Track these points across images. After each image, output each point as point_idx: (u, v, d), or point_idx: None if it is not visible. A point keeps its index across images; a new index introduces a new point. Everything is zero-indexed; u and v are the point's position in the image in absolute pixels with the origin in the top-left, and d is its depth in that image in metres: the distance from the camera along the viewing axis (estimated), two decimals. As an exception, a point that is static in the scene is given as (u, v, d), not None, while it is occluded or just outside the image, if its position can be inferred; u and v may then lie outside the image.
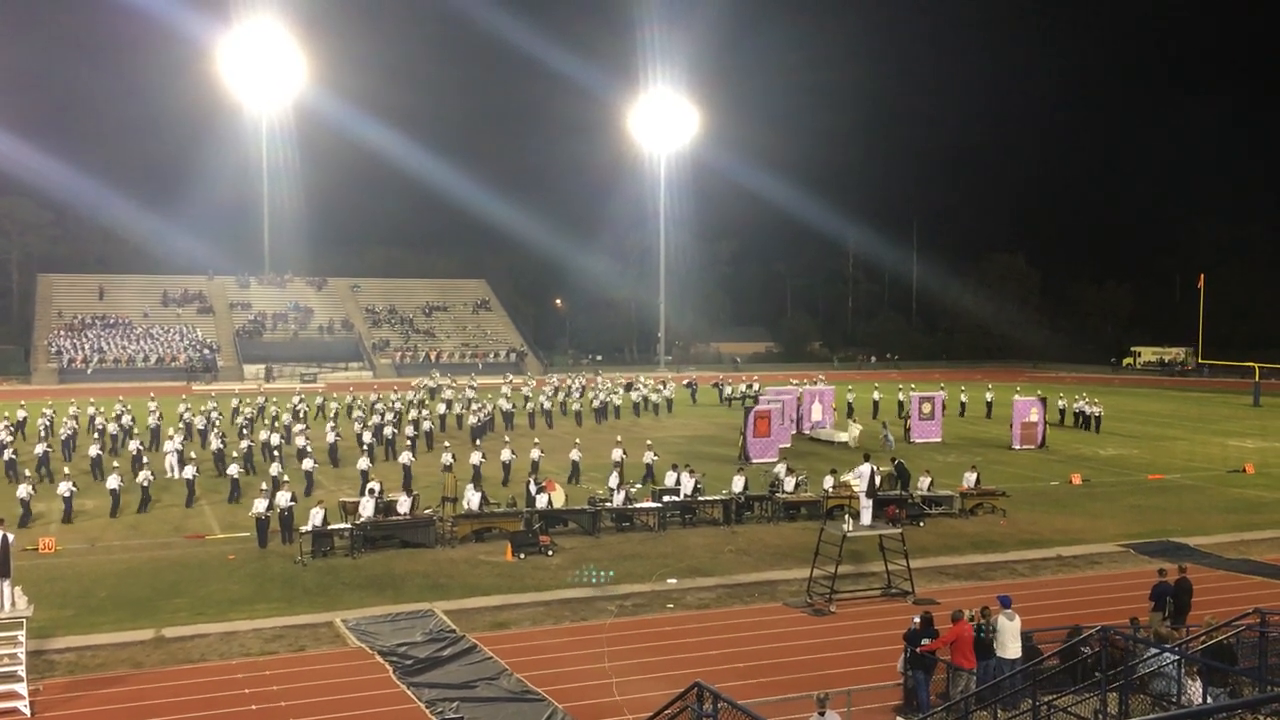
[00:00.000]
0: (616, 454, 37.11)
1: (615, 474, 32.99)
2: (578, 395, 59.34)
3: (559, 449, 40.14)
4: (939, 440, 50.64)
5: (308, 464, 35.93)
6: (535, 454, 36.78)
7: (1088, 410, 56.45)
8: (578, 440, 39.09)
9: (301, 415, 51.32)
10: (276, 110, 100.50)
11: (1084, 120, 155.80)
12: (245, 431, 43.50)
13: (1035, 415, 49.57)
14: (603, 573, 25.21)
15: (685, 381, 72.81)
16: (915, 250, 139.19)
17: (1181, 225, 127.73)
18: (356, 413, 53.47)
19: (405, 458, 36.66)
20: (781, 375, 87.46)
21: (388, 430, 44.60)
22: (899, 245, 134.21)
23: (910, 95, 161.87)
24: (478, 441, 41.93)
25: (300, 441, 41.33)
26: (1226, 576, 26.51)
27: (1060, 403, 58.28)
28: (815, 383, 66.14)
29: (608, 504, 30.80)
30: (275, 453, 37.09)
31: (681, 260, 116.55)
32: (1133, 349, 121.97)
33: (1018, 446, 48.73)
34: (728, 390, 68.54)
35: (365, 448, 41.18)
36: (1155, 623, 19.99)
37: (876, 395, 63.14)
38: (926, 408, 51.15)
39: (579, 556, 27.60)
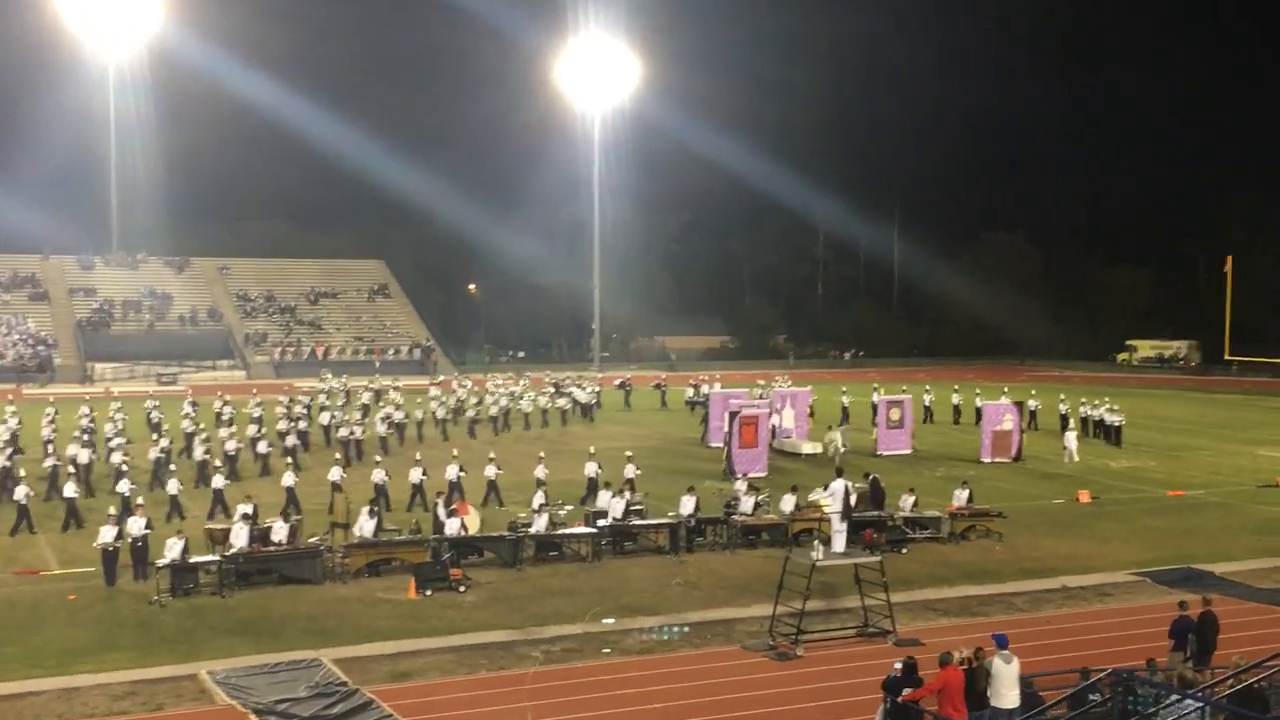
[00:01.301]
0: (540, 470, 37.09)
1: (540, 493, 32.95)
2: (495, 400, 59.01)
3: (476, 464, 40.00)
4: (908, 452, 51.44)
5: (173, 486, 35.46)
6: (453, 471, 36.57)
7: (1108, 419, 56.85)
8: (493, 455, 39.00)
9: (158, 424, 50.65)
10: (127, 54, 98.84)
11: (1095, 78, 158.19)
12: (86, 443, 42.77)
13: (1010, 422, 50.48)
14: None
15: (617, 382, 72.95)
16: (897, 227, 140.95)
17: (1208, 199, 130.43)
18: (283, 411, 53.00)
19: (288, 479, 36.35)
20: (739, 375, 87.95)
21: (291, 440, 44.46)
22: (878, 221, 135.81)
23: (893, 45, 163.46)
24: (376, 458, 41.64)
25: (154, 454, 40.81)
26: (1257, 610, 27.11)
27: (1064, 408, 59.27)
28: (778, 383, 66.69)
29: (531, 529, 30.74)
30: (123, 469, 36.54)
31: (620, 238, 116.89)
32: (1128, 343, 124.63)
33: (987, 459, 49.61)
34: (690, 393, 68.83)
35: (260, 459, 40.97)
36: (1175, 664, 20.39)
37: (845, 399, 63.85)
38: (895, 414, 51.89)
39: (497, 593, 27.52)
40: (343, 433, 47.17)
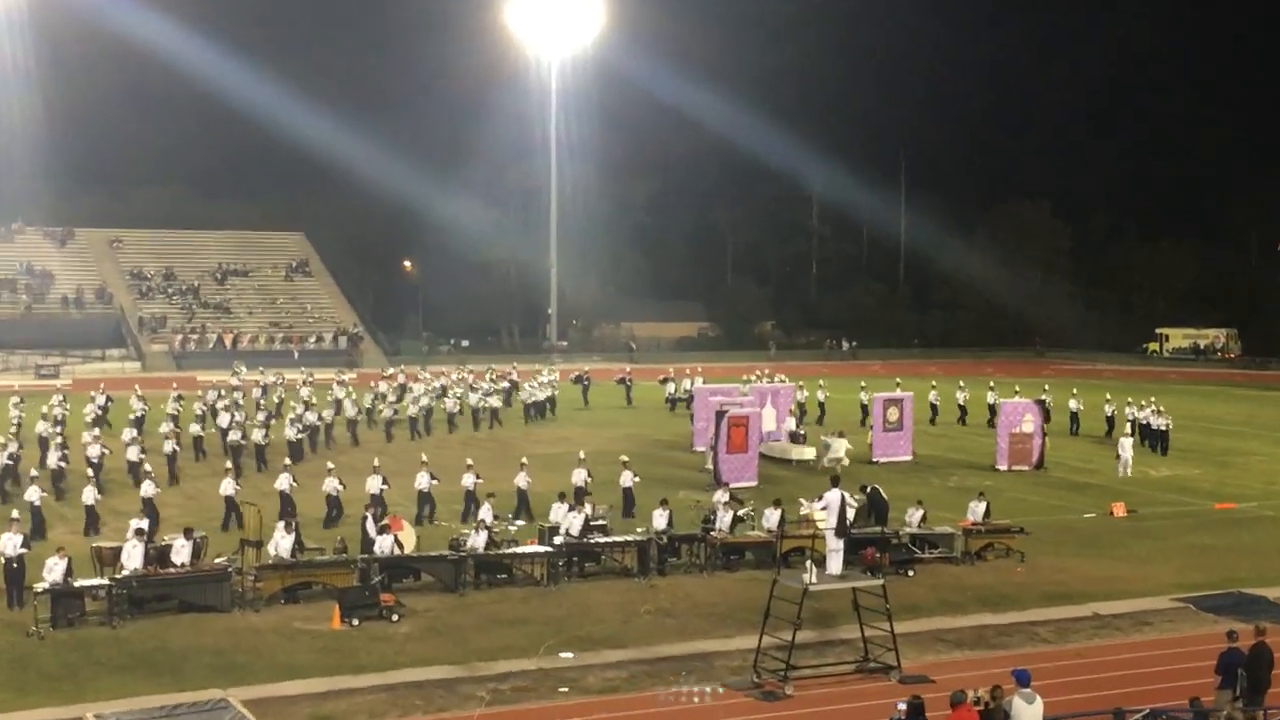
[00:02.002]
0: (468, 479, 37.12)
1: (487, 507, 32.92)
2: (416, 399, 58.67)
3: (407, 471, 39.91)
4: (908, 458, 51.68)
5: (33, 493, 35.23)
6: (375, 483, 36.48)
7: (1153, 422, 56.33)
8: (424, 458, 38.94)
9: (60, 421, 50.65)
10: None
11: (1132, 23, 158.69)
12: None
13: (1030, 423, 50.73)
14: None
15: (574, 376, 72.99)
16: (903, 197, 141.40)
17: (1262, 166, 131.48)
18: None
19: (227, 487, 36.33)
20: (720, 369, 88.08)
21: (257, 434, 44.78)
22: (881, 190, 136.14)
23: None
24: (286, 460, 41.51)
25: (56, 459, 40.68)
26: (1317, 640, 27.33)
27: (1111, 409, 59.33)
28: (757, 378, 66.76)
29: (475, 547, 30.70)
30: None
31: (581, 208, 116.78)
32: (1158, 331, 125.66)
33: (1004, 466, 49.87)
34: (671, 389, 68.85)
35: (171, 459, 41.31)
36: (1223, 703, 20.52)
37: (821, 395, 64.12)
38: (893, 414, 52.03)
39: (436, 622, 27.46)
40: (234, 436, 46.73)
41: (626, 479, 38.81)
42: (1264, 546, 36.99)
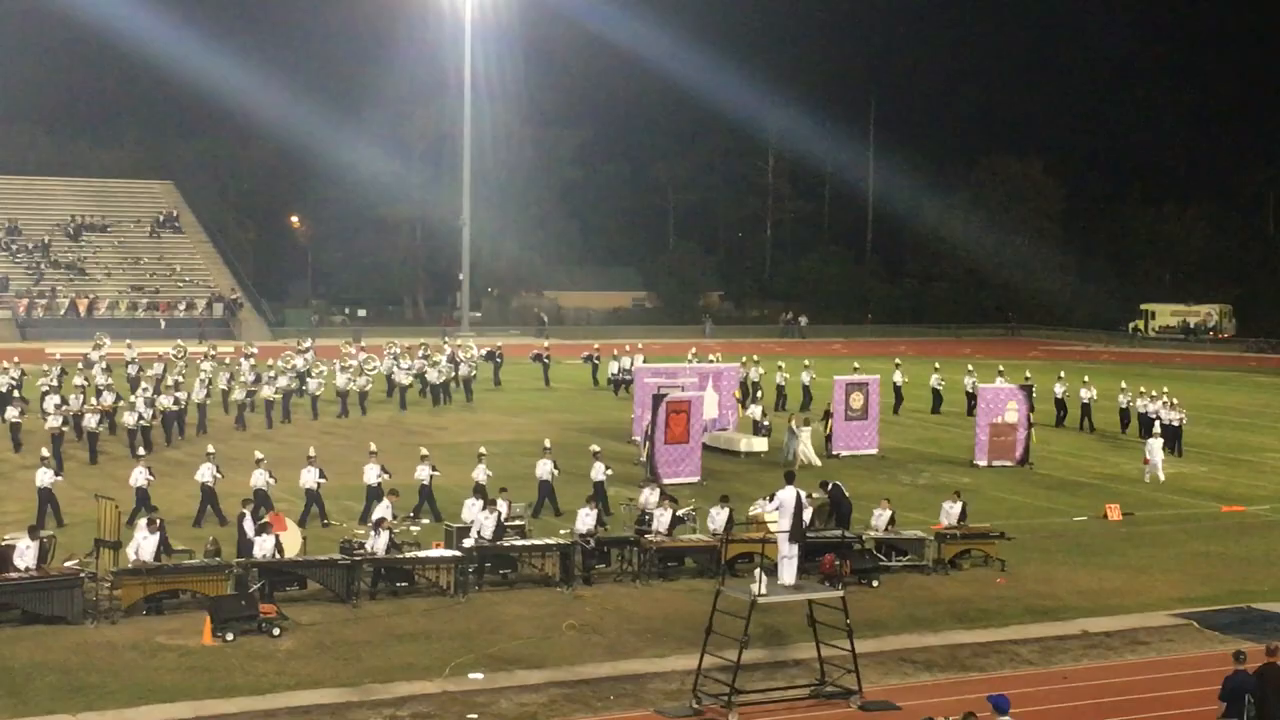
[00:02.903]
0: (372, 474, 36.82)
1: (386, 504, 32.74)
2: (273, 379, 58.01)
3: (294, 462, 39.64)
4: (874, 452, 51.90)
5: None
6: (261, 477, 36.16)
7: (1164, 416, 55.44)
8: (312, 452, 38.63)
9: None
10: None
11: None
12: None
13: (1014, 412, 51.07)
14: None
15: (484, 352, 72.81)
16: (872, 150, 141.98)
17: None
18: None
19: (44, 477, 35.85)
20: (659, 346, 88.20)
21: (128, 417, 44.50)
22: (847, 142, 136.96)
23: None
24: (140, 450, 41.14)
25: None
26: (1335, 662, 27.68)
27: (1125, 400, 59.37)
28: (692, 358, 66.76)
29: (373, 550, 30.56)
30: None
31: (500, 159, 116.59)
32: (1143, 307, 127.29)
33: (983, 461, 50.17)
34: (614, 369, 68.57)
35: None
36: (1228, 734, 20.73)
37: (754, 372, 64.32)
38: (856, 400, 52.18)
39: (324, 637, 27.30)
40: (53, 422, 45.79)
41: (544, 470, 38.65)
42: (1277, 555, 37.42)
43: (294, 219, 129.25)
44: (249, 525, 31.12)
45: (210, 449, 39.21)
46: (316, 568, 30.22)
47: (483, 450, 39.59)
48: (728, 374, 55.38)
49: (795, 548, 25.40)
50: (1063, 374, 64.60)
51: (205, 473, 36.94)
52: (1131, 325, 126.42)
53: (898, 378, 64.60)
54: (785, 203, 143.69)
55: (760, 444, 50.54)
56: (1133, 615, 30.83)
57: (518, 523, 33.43)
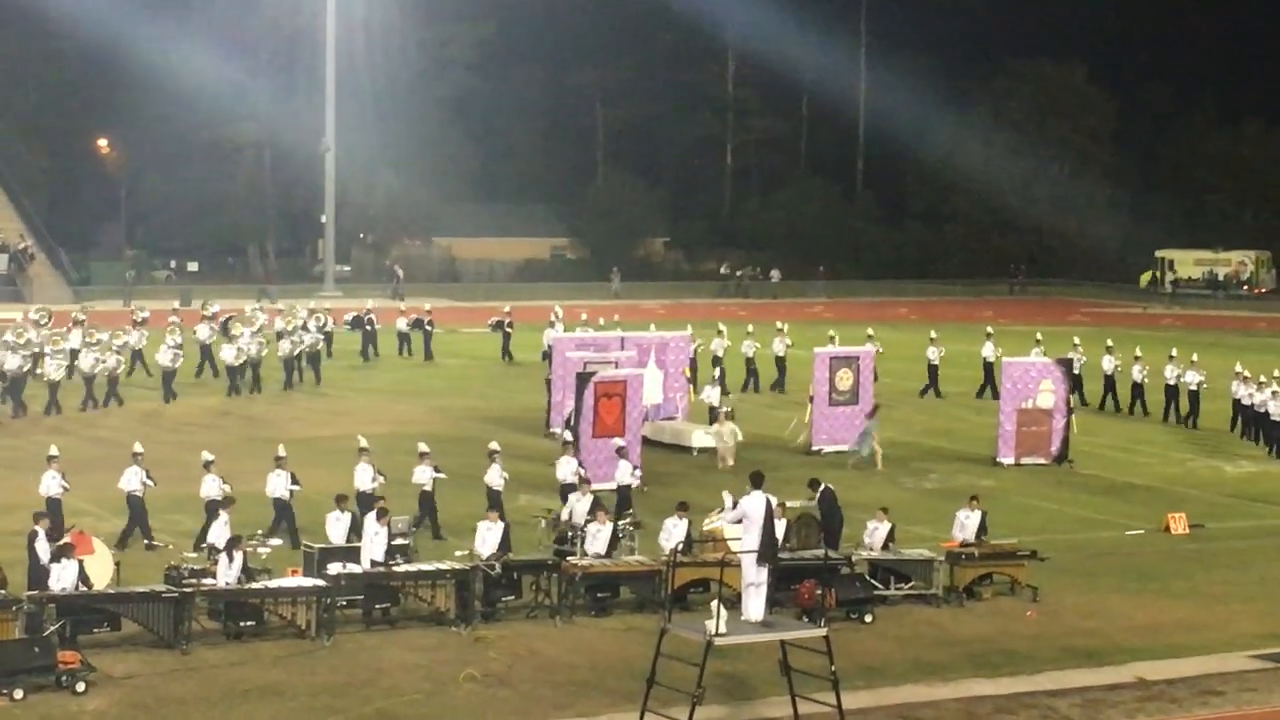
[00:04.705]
0: (210, 485, 36.62)
1: (223, 519, 32.60)
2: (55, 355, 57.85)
3: (105, 463, 39.44)
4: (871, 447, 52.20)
5: None
6: (52, 482, 35.86)
7: (1257, 400, 55.59)
8: (139, 450, 38.40)
9: None
10: None
11: None
12: None
13: (1050, 394, 51.26)
14: None
15: (350, 317, 72.62)
16: (864, 53, 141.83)
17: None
18: None
19: None
20: (588, 309, 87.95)
21: None
22: (832, 41, 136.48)
23: None
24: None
25: None
26: None
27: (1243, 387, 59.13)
28: (596, 326, 66.80)
29: (208, 579, 30.43)
30: None
31: (376, 64, 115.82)
32: (1159, 255, 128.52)
33: (1009, 458, 50.46)
34: (548, 338, 68.19)
35: None
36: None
37: (719, 346, 64.33)
38: (844, 378, 52.22)
39: (143, 693, 27.16)
40: None
41: (423, 476, 38.64)
42: (1389, 579, 37.83)
43: (101, 143, 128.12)
44: (43, 547, 30.90)
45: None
46: (134, 603, 29.97)
47: (364, 444, 39.43)
48: (675, 345, 55.19)
49: (765, 572, 25.45)
50: (1110, 343, 64.79)
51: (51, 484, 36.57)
52: (1143, 278, 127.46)
53: (933, 354, 65.10)
54: (750, 121, 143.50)
55: (706, 437, 50.47)
56: (1203, 658, 30.98)
57: (400, 542, 33.33)
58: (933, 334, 66.70)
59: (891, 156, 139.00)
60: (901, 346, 66.84)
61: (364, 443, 39.56)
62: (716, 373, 59.28)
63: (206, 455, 38.45)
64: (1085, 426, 53.71)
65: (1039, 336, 64.70)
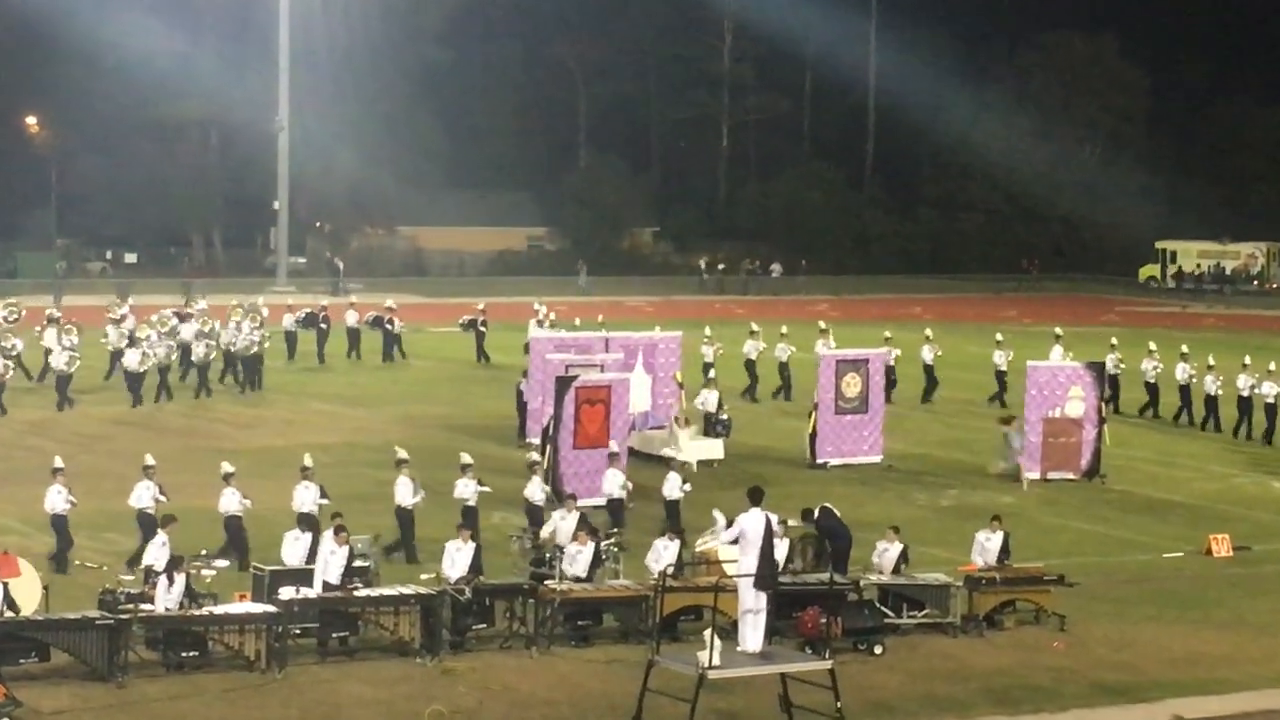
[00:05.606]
0: (143, 494, 36.64)
1: (161, 538, 32.49)
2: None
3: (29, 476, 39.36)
4: (878, 459, 52.28)
5: None
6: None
7: (1270, 394, 57.06)
8: (58, 464, 38.34)
9: None
10: None
11: None
12: None
13: (1079, 402, 51.23)
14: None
15: (301, 314, 72.52)
16: (875, 24, 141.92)
17: None
18: None
19: None
20: (564, 306, 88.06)
21: None
22: (838, 12, 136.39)
23: None
24: None
25: None
26: None
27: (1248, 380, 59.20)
28: (548, 323, 66.82)
29: (146, 604, 30.35)
30: None
31: (333, 34, 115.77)
32: (1160, 247, 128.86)
33: (1034, 473, 50.24)
34: (534, 331, 68.19)
35: None
36: None
37: (753, 349, 64.58)
38: (852, 385, 52.15)
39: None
40: None
41: (404, 493, 38.58)
42: None
43: (30, 121, 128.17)
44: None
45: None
46: (65, 630, 29.93)
47: (308, 463, 39.31)
48: (665, 346, 55.15)
49: (764, 598, 25.48)
50: (1153, 346, 64.55)
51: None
52: (1143, 273, 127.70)
53: (927, 354, 65.11)
54: (748, 100, 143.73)
55: (714, 448, 50.47)
56: (1246, 694, 30.96)
57: (361, 564, 33.26)
58: (928, 332, 66.79)
59: (903, 139, 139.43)
60: (913, 347, 66.51)
61: (308, 461, 39.48)
62: (712, 374, 59.16)
63: (148, 460, 38.49)
64: (1119, 438, 53.68)
65: (1058, 332, 64.69)
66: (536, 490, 38.73)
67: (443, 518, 37.60)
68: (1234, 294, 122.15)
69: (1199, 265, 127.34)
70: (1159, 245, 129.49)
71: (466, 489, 38.82)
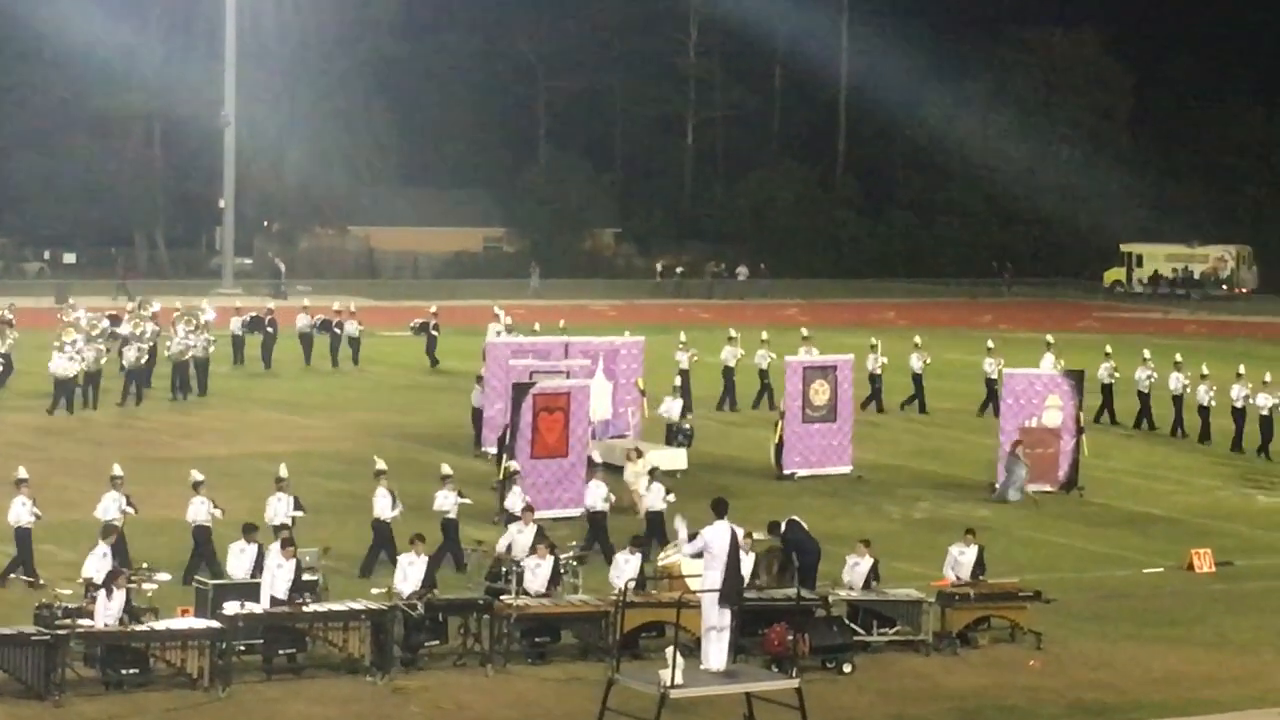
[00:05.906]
0: (110, 505, 36.52)
1: (103, 549, 32.36)
2: None
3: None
4: (847, 470, 52.33)
5: None
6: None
7: (1263, 405, 56.93)
8: (22, 475, 38.20)
9: None
10: None
11: None
12: None
13: (1057, 411, 51.33)
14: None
15: (248, 317, 72.35)
16: (846, 18, 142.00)
17: None
18: None
19: None
20: (523, 310, 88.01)
21: None
22: (807, 5, 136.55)
23: None
24: None
25: None
26: None
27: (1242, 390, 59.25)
28: (505, 330, 66.79)
29: (84, 619, 30.23)
30: None
31: (282, 24, 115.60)
32: (1125, 249, 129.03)
33: (1015, 494, 49.90)
34: (495, 330, 68.06)
35: None
36: None
37: (731, 356, 64.36)
38: (820, 392, 52.16)
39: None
40: None
41: (382, 505, 38.54)
42: None
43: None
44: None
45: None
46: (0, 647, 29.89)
47: (283, 474, 39.21)
48: (627, 352, 55.05)
49: (728, 615, 25.42)
50: (1148, 354, 64.48)
51: None
52: (1108, 276, 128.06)
53: (915, 362, 65.05)
54: (714, 96, 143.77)
55: (677, 458, 50.43)
56: (1229, 715, 31.03)
57: (309, 577, 33.14)
58: (917, 340, 66.62)
59: (877, 137, 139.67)
60: (900, 356, 66.39)
61: (284, 472, 39.39)
62: (677, 382, 58.93)
63: (115, 470, 38.36)
64: (1099, 449, 53.75)
65: (1049, 340, 64.64)
66: (517, 501, 38.66)
67: (397, 529, 37.56)
68: (1202, 298, 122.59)
69: (1172, 270, 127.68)
70: (1124, 248, 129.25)
71: (446, 500, 38.90)
